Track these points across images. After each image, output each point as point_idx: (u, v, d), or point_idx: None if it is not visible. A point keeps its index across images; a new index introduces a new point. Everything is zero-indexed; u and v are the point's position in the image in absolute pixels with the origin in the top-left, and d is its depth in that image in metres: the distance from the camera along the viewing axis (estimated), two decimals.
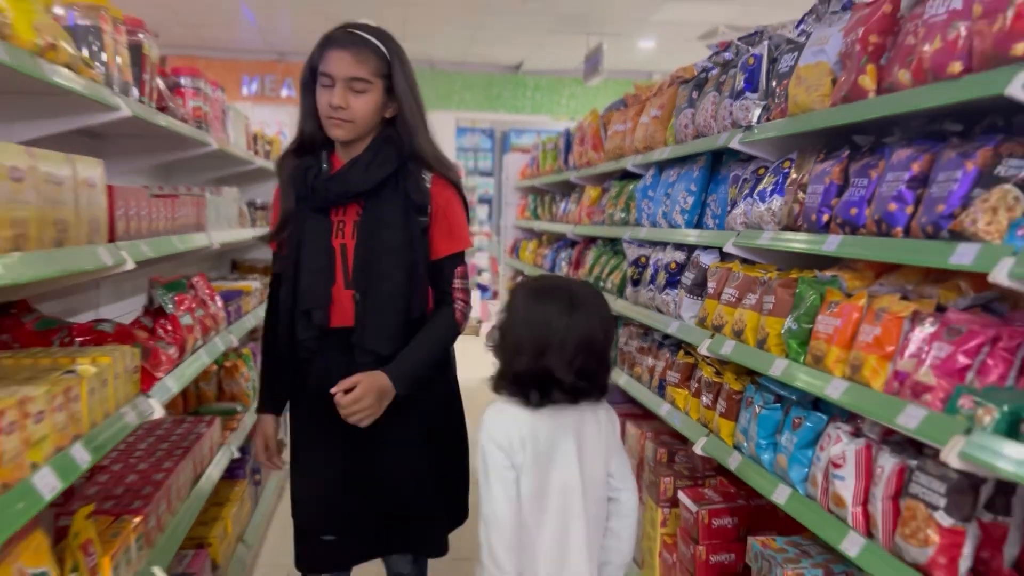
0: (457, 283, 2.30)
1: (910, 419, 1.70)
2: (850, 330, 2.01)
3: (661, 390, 3.29)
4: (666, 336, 3.45)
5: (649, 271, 3.48)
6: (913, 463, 1.78)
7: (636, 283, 3.61)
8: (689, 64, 3.63)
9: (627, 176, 4.27)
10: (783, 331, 2.27)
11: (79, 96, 2.03)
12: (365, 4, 8.39)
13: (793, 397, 2.31)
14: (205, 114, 3.42)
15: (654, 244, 3.61)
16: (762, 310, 2.44)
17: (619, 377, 3.81)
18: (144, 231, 2.55)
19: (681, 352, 3.18)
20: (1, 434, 1.44)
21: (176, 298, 2.77)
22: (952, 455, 1.53)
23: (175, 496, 2.62)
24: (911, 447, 1.88)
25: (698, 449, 2.78)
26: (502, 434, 1.96)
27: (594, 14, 9.14)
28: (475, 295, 11.56)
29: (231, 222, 4.02)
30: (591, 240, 4.84)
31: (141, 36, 2.52)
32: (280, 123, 6.36)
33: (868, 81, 2.02)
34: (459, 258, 2.32)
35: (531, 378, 1.95)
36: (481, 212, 14.05)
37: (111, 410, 2.02)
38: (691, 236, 3.09)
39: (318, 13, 8.83)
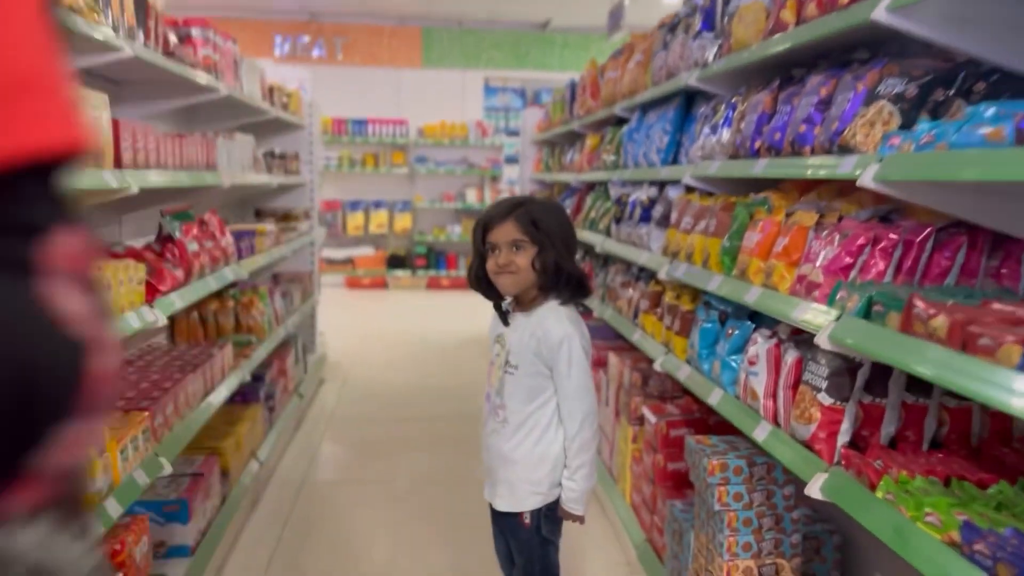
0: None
1: (801, 312, 1.92)
2: (768, 243, 2.22)
3: (635, 318, 3.53)
4: (642, 269, 3.66)
5: (628, 208, 3.69)
6: (808, 355, 2.00)
7: (618, 220, 3.82)
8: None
9: (620, 122, 4.46)
10: (720, 249, 2.48)
11: (86, 38, 2.30)
12: None
13: (729, 310, 2.53)
14: (215, 63, 3.69)
15: (636, 184, 3.81)
16: (707, 233, 2.65)
17: (604, 311, 4.05)
18: (151, 164, 2.83)
19: (652, 282, 3.41)
20: None
21: (183, 227, 3.06)
22: (823, 337, 1.75)
23: (183, 403, 2.93)
24: (813, 344, 2.09)
25: (657, 366, 3.01)
26: (585, 333, 2.25)
27: None
28: None
29: (245, 167, 4.30)
30: (591, 187, 5.04)
31: None
32: (301, 79, 6.61)
33: (788, 15, 2.21)
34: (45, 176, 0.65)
35: (579, 276, 2.25)
36: (511, 172, 14.24)
37: (115, 312, 2.32)
38: (661, 172, 3.29)
39: None
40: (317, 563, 3.28)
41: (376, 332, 8.42)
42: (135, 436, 2.46)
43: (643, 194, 3.53)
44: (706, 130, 2.90)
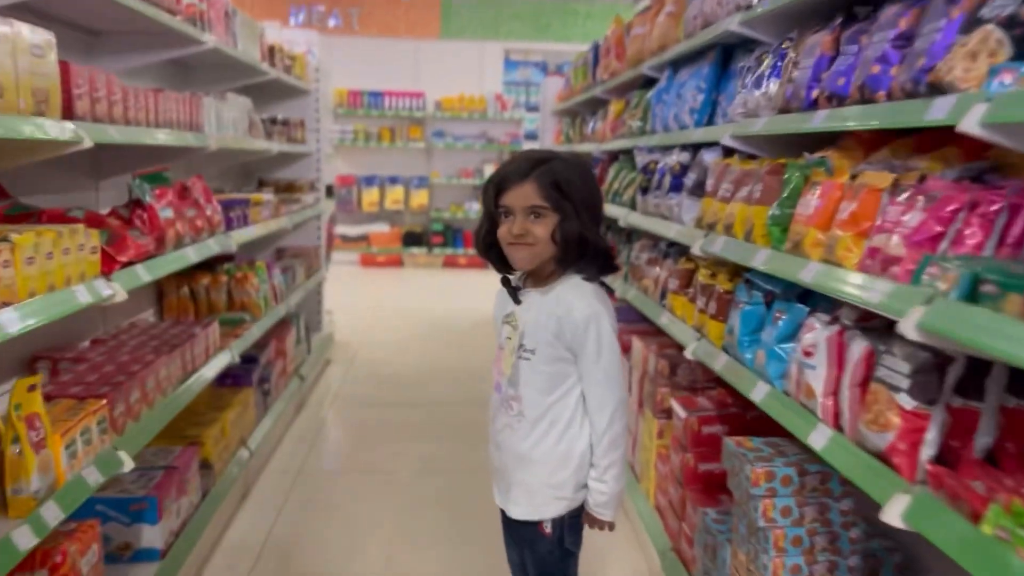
0: None
1: (877, 294, 1.55)
2: (830, 210, 1.84)
3: (663, 299, 3.16)
4: (671, 244, 3.30)
5: (656, 177, 3.32)
6: (882, 347, 1.63)
7: (645, 191, 3.45)
8: None
9: (648, 84, 4.07)
10: (767, 218, 2.11)
11: None
12: None
13: (777, 290, 2.16)
14: (202, 12, 3.34)
15: (665, 149, 3.43)
16: (751, 200, 2.27)
17: (628, 291, 3.69)
18: (117, 119, 2.50)
19: (683, 258, 3.04)
20: None
21: (156, 191, 2.73)
22: (909, 325, 1.38)
23: (153, 388, 2.61)
24: (888, 333, 1.73)
25: (688, 353, 2.65)
26: (613, 313, 1.92)
27: None
28: None
29: (239, 131, 3.96)
30: (614, 157, 4.66)
31: None
32: (309, 43, 6.25)
33: None
34: None
35: (605, 250, 1.91)
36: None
37: (58, 285, 1.99)
38: (695, 135, 2.92)
39: None
40: (307, 563, 2.96)
41: (389, 311, 8.10)
42: (87, 428, 2.14)
43: (673, 159, 3.15)
44: (748, 83, 2.52)
